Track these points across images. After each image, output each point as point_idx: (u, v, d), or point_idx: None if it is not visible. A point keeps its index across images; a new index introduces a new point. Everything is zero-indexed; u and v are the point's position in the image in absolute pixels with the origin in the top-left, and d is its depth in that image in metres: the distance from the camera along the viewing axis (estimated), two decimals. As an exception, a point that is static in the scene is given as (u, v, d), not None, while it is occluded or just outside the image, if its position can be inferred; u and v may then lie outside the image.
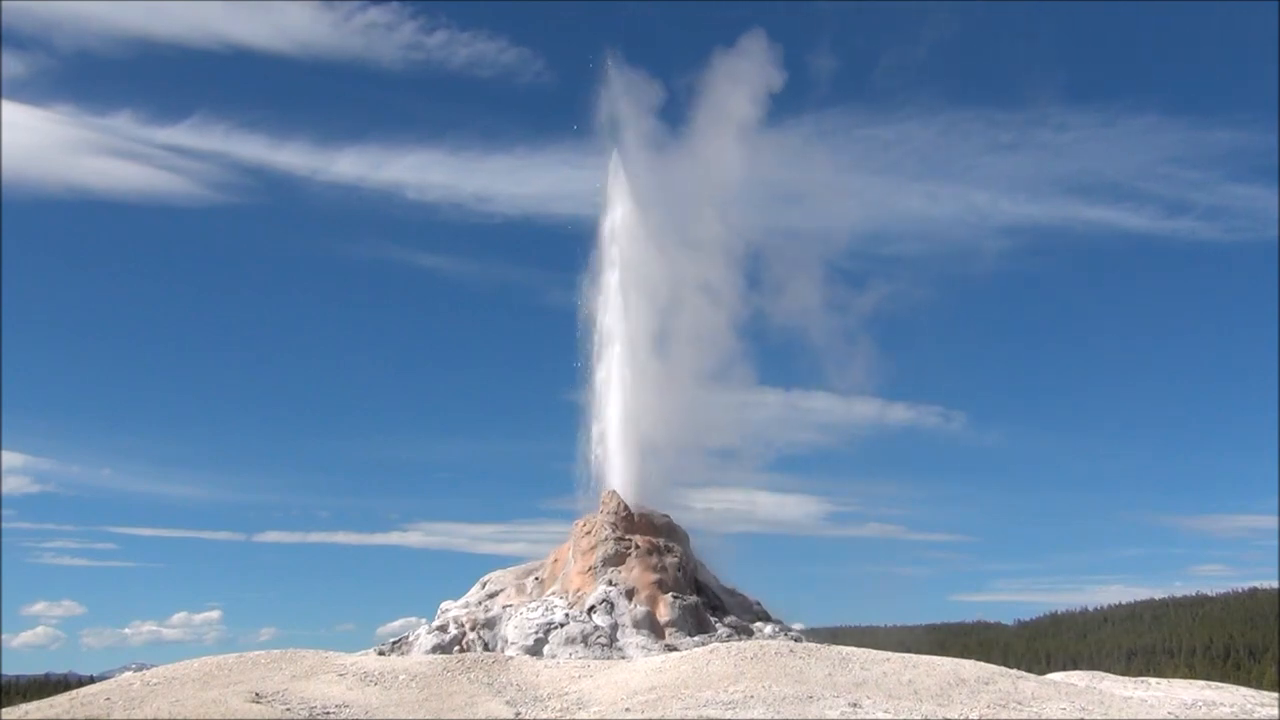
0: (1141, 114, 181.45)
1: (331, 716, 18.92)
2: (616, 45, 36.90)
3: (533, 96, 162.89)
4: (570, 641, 26.07)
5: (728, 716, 17.39)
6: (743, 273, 35.75)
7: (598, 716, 18.43)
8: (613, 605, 27.37)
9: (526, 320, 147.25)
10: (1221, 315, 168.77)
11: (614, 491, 30.87)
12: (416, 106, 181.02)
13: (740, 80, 36.91)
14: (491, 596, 30.02)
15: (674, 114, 36.57)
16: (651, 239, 34.30)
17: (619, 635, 26.59)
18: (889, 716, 17.44)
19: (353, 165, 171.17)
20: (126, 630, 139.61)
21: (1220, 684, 26.70)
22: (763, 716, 17.40)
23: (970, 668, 21.12)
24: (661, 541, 29.76)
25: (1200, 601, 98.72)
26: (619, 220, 34.21)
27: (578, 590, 28.34)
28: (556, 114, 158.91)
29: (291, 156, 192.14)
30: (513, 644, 26.39)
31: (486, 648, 26.59)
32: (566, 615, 27.04)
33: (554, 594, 28.62)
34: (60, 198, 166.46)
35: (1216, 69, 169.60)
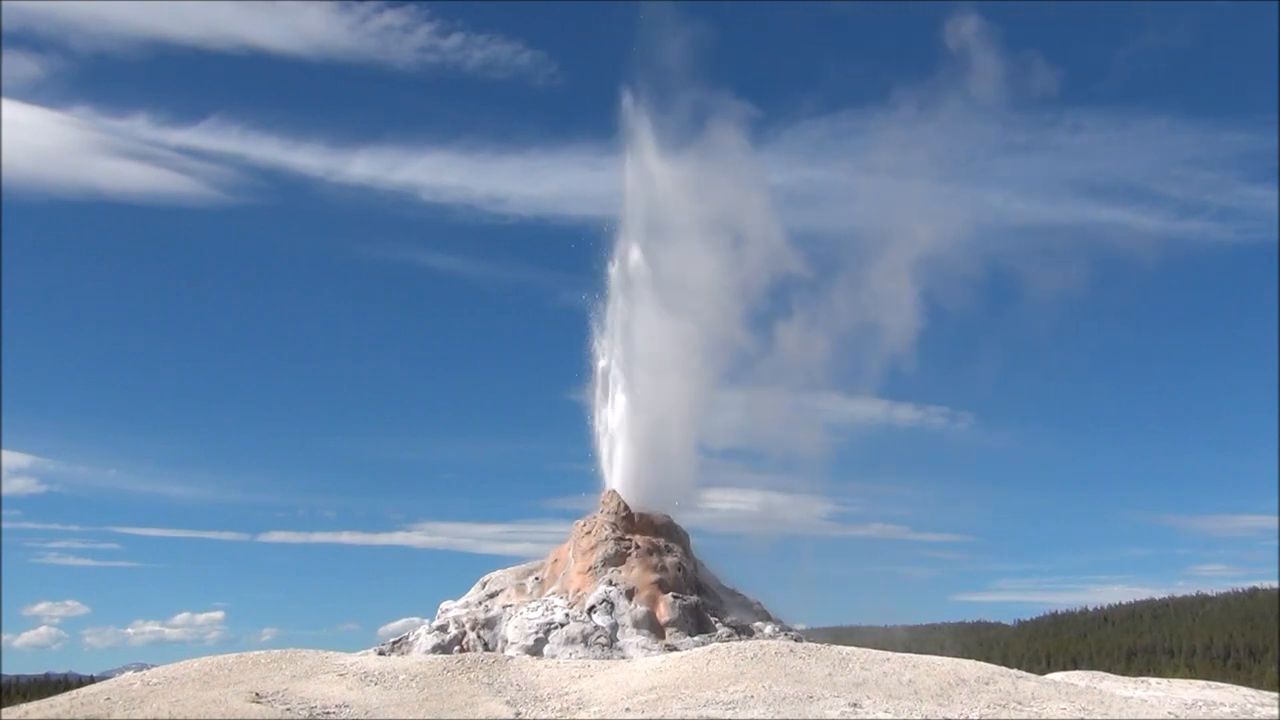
0: (1155, 116, 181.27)
1: (331, 716, 18.91)
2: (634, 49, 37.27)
3: (547, 98, 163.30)
4: (570, 641, 26.07)
5: (728, 716, 17.38)
6: (750, 273, 35.83)
7: (598, 716, 18.43)
8: (613, 605, 27.37)
9: (538, 321, 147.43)
10: (1226, 316, 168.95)
11: (614, 491, 30.88)
12: (431, 108, 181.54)
13: (760, 87, 37.27)
14: (492, 596, 30.02)
15: (690, 114, 36.89)
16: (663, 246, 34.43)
17: (619, 635, 26.59)
18: (889, 716, 17.43)
19: (367, 167, 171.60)
20: (128, 630, 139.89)
21: (1220, 684, 26.68)
22: (763, 716, 17.40)
23: (970, 668, 21.11)
24: (662, 541, 29.77)
25: (1200, 601, 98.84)
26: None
27: (578, 590, 28.34)
28: (571, 116, 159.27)
29: (306, 158, 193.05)
30: (513, 644, 26.39)
31: (487, 648, 26.60)
32: (567, 615, 27.04)
33: (554, 594, 28.62)
34: (76, 200, 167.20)
35: (1231, 71, 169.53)
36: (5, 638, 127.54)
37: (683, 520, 31.52)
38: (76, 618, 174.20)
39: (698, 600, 28.46)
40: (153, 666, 24.76)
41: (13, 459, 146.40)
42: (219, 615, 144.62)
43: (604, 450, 32.39)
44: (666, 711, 17.81)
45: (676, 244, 35.11)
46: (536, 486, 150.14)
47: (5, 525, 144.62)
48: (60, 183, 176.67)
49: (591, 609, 27.31)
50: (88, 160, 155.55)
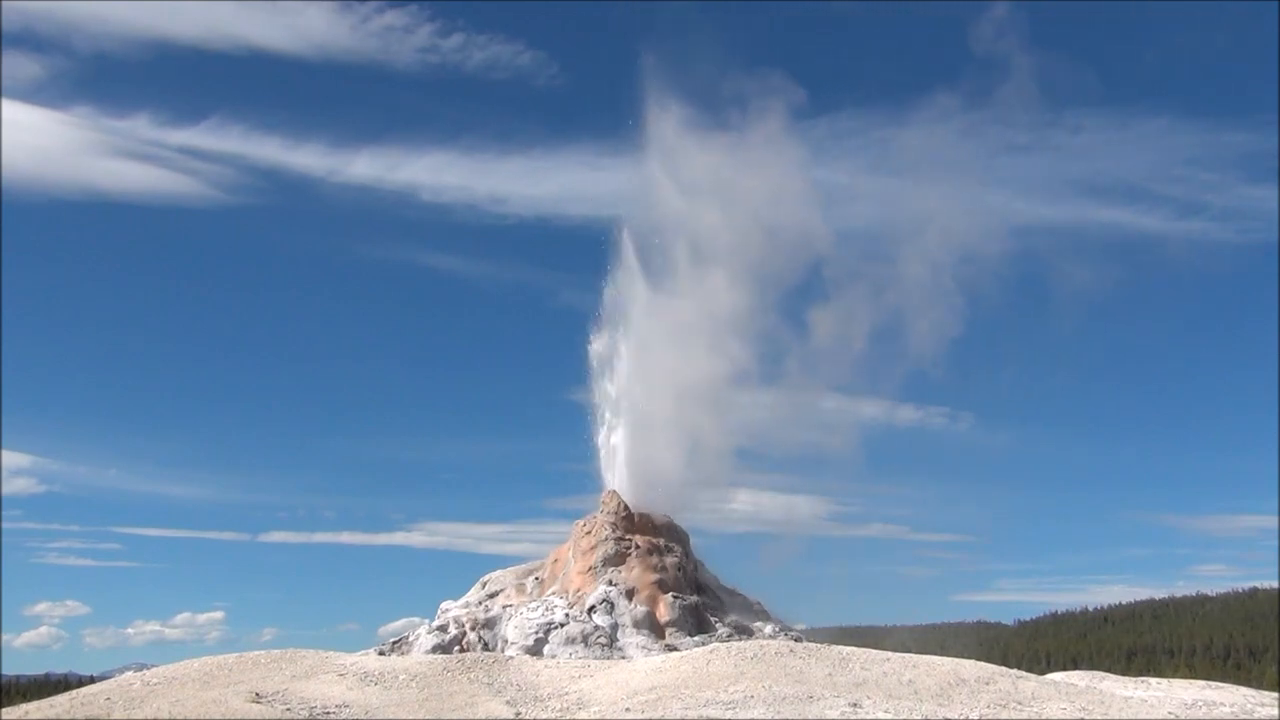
0: (1155, 116, 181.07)
1: (331, 716, 18.91)
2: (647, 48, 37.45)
3: (548, 99, 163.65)
4: (570, 641, 26.07)
5: (728, 716, 17.38)
6: (753, 274, 35.83)
7: (598, 716, 18.43)
8: (613, 605, 27.37)
9: (538, 321, 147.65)
10: (1226, 316, 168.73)
11: (614, 491, 30.88)
12: (432, 108, 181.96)
13: (763, 87, 37.43)
14: (492, 596, 30.02)
15: (701, 113, 37.05)
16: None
17: (619, 635, 26.59)
18: (889, 716, 17.43)
19: (368, 167, 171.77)
20: (129, 630, 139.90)
21: (1220, 684, 26.68)
22: (763, 716, 17.40)
23: (970, 668, 21.10)
24: (662, 541, 29.76)
25: (1200, 601, 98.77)
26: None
27: (578, 590, 28.34)
28: (572, 116, 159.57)
29: (307, 158, 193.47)
30: (513, 644, 26.39)
31: (486, 647, 26.60)
32: (566, 615, 27.04)
33: (554, 594, 28.62)
34: (76, 200, 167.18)
35: (1231, 71, 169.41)
36: (5, 638, 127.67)
37: (685, 520, 31.56)
38: (76, 618, 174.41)
39: (698, 600, 28.46)
40: (153, 666, 24.77)
41: (13, 459, 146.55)
42: (219, 615, 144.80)
43: (608, 450, 32.37)
44: (666, 711, 17.81)
45: (682, 242, 35.14)
46: (536, 486, 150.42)
47: (5, 525, 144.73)
48: (61, 183, 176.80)
49: (591, 609, 27.31)
50: (88, 160, 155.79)
